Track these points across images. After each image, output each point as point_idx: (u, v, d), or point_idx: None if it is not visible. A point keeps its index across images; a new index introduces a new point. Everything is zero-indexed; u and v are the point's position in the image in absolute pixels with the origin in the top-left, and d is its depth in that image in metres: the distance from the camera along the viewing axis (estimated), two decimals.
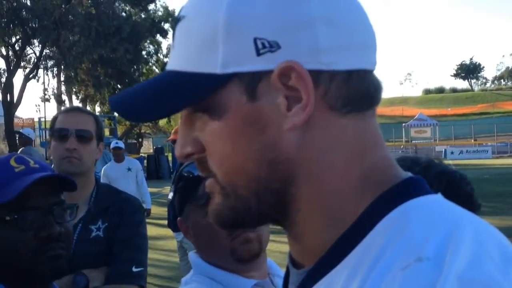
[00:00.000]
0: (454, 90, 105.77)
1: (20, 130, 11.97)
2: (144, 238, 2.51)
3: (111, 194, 2.57)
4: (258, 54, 0.67)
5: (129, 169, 9.41)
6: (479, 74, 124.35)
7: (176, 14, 0.77)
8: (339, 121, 0.70)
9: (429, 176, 1.45)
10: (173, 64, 0.74)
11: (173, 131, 7.28)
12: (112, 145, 9.75)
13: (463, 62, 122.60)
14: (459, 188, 1.48)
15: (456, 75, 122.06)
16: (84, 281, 2.23)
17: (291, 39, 0.67)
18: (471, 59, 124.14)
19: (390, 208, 0.67)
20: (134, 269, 2.36)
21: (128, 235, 2.43)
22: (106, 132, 29.73)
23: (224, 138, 0.71)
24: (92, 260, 2.33)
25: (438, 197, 0.71)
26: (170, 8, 40.23)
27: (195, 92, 0.70)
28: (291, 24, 0.67)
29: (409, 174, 0.74)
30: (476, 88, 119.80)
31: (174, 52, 0.75)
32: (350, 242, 0.67)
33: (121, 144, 9.89)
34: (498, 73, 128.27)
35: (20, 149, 9.73)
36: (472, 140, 52.04)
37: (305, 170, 0.70)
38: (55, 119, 2.57)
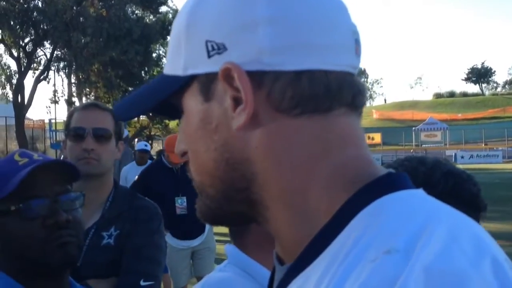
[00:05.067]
0: (464, 94, 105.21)
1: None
2: (158, 248, 2.32)
3: (128, 199, 2.38)
4: (209, 56, 0.71)
5: None
6: (490, 79, 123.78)
7: None
8: (290, 122, 0.70)
9: (436, 176, 1.44)
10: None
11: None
12: (139, 147, 9.43)
13: (474, 66, 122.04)
14: (465, 189, 1.47)
15: (467, 79, 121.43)
16: None
17: (236, 41, 0.69)
18: (482, 63, 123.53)
19: (366, 203, 0.66)
20: (142, 283, 2.20)
21: (140, 244, 2.26)
22: None
23: (189, 138, 0.76)
24: (101, 269, 2.21)
25: (418, 192, 0.70)
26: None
27: (162, 93, 0.76)
28: (236, 26, 0.69)
29: (390, 170, 0.73)
30: (487, 92, 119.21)
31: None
32: (326, 238, 0.66)
33: (148, 147, 9.59)
34: (509, 77, 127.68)
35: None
36: (483, 145, 51.86)
37: (263, 169, 0.71)
38: (70, 116, 2.39)
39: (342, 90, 0.71)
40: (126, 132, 12.38)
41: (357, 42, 0.74)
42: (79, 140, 2.29)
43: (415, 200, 0.68)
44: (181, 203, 6.20)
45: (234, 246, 1.62)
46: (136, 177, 6.67)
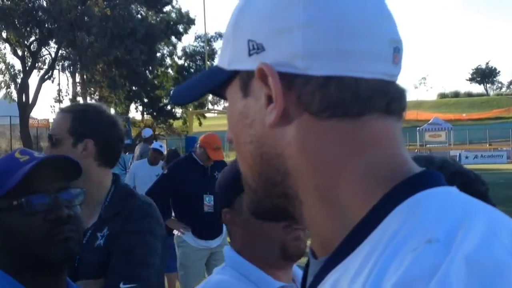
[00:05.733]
0: (469, 95, 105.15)
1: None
2: (148, 248, 2.22)
3: (124, 198, 2.34)
4: (249, 54, 0.75)
5: (157, 175, 8.71)
6: (494, 79, 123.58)
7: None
8: (321, 123, 0.72)
9: (444, 176, 1.44)
10: None
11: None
12: (154, 146, 9.36)
13: (478, 67, 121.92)
14: (473, 188, 1.46)
15: (472, 80, 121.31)
16: None
17: (273, 42, 0.72)
18: (487, 63, 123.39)
19: (403, 198, 0.68)
20: (122, 286, 2.10)
21: (127, 245, 2.19)
22: None
23: (232, 129, 0.81)
24: (93, 271, 2.18)
25: (453, 189, 0.72)
26: (183, 10, 40.35)
27: (211, 83, 0.82)
28: (274, 29, 0.72)
29: (424, 168, 0.74)
30: (491, 92, 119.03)
31: None
32: (364, 231, 0.68)
33: (163, 148, 9.54)
34: None
35: None
36: (487, 145, 51.81)
37: (296, 165, 0.74)
38: None
39: (373, 97, 0.72)
40: (150, 132, 12.65)
41: (396, 50, 0.75)
42: None
43: (452, 195, 0.70)
44: (209, 201, 6.11)
45: (231, 249, 1.64)
46: (166, 170, 6.59)
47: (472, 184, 1.47)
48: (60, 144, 2.30)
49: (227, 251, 1.63)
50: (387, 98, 0.73)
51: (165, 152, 9.63)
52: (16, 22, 29.64)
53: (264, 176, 0.77)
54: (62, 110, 2.44)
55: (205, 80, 0.84)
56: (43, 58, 33.56)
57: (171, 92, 0.89)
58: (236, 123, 0.79)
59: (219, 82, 0.80)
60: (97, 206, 2.30)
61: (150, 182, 8.64)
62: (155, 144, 9.66)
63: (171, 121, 43.99)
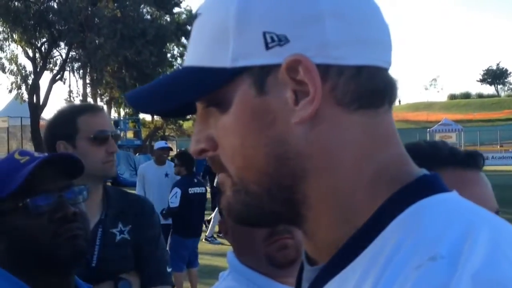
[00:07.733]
0: (480, 96, 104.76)
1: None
2: (162, 238, 2.50)
3: (121, 196, 2.45)
4: (267, 48, 0.68)
5: (166, 175, 8.73)
6: (505, 80, 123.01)
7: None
8: (348, 117, 0.69)
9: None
10: (188, 60, 0.75)
11: None
12: (159, 145, 9.10)
13: (489, 68, 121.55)
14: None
15: (482, 81, 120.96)
16: (128, 287, 2.22)
17: (299, 33, 0.67)
18: (498, 64, 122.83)
19: (403, 207, 0.65)
20: (168, 269, 2.41)
21: (155, 235, 2.41)
22: (130, 134, 29.91)
23: (234, 133, 0.71)
24: (121, 264, 2.28)
25: (454, 195, 0.69)
26: (193, 11, 40.37)
27: (205, 86, 0.71)
28: (300, 18, 0.67)
29: (424, 171, 0.72)
30: (502, 93, 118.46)
31: (189, 48, 0.76)
32: (362, 241, 0.65)
33: (168, 145, 9.27)
34: None
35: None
36: (498, 146, 51.50)
37: (315, 165, 0.69)
38: (73, 119, 2.29)
39: (391, 87, 0.72)
40: (164, 144, 12.67)
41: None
42: (103, 143, 2.28)
43: (454, 203, 0.67)
44: None
45: (233, 255, 1.62)
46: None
47: None
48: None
49: (230, 257, 1.61)
50: (393, 88, 0.72)
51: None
52: (27, 24, 29.76)
53: (275, 180, 0.71)
54: (105, 111, 2.55)
55: (188, 83, 0.73)
56: (54, 59, 33.69)
57: (127, 96, 0.78)
58: (244, 125, 0.70)
59: (218, 83, 0.70)
60: (94, 207, 2.29)
61: (158, 184, 8.49)
62: (160, 143, 9.41)
63: (181, 122, 44.05)
